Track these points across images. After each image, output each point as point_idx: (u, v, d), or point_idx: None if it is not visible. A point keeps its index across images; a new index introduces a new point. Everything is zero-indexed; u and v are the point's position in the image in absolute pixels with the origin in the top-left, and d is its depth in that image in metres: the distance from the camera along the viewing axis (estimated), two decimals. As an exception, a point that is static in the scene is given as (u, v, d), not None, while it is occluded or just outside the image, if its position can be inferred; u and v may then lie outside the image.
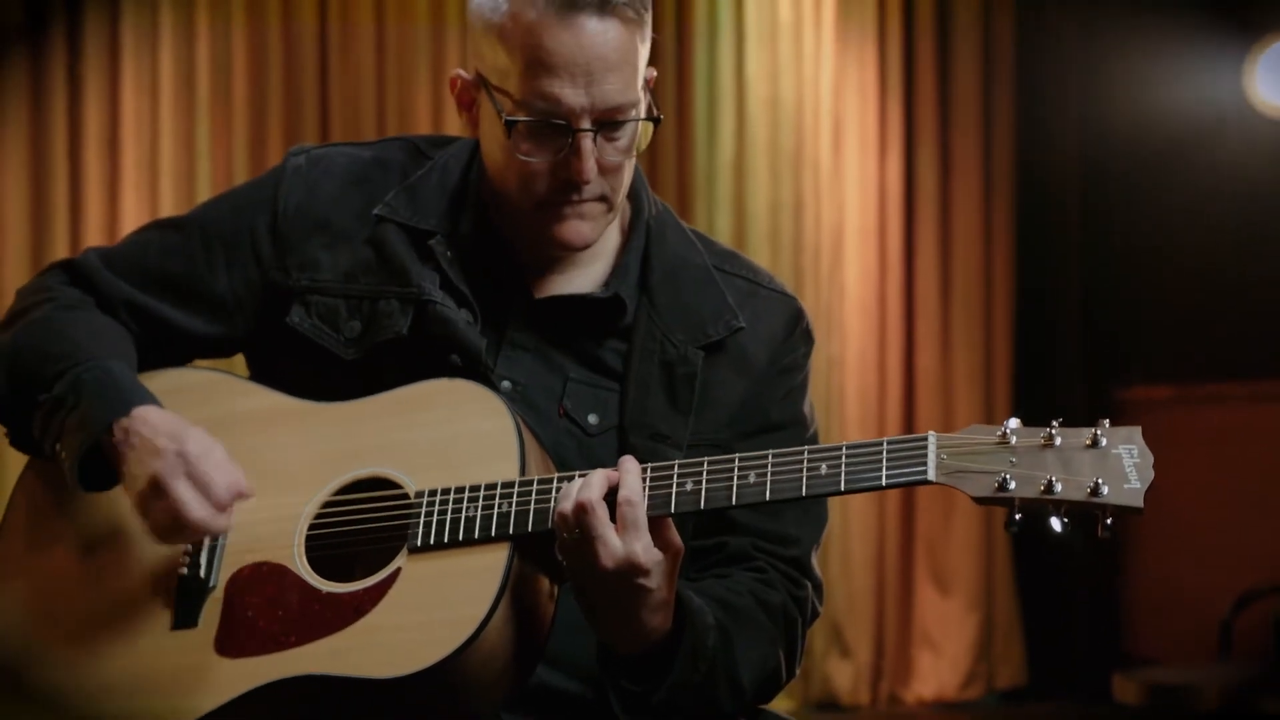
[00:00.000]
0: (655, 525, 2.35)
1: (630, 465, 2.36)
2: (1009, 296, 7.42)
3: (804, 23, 7.21)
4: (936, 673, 7.35)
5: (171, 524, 2.42)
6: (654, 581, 2.34)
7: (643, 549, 2.32)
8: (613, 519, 2.33)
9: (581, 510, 2.31)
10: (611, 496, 2.33)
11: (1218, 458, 7.07)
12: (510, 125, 2.51)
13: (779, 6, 7.19)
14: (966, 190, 7.39)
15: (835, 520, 7.11)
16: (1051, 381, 7.40)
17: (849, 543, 7.25)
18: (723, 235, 7.05)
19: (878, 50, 7.32)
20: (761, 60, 7.19)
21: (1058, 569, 7.28)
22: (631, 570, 2.32)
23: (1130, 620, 7.35)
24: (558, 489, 2.39)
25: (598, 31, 2.47)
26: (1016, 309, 7.43)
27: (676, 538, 2.37)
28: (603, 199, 2.57)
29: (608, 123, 2.51)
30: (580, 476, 2.36)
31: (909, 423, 7.32)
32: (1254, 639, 6.57)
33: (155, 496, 2.42)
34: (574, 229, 2.57)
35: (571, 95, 2.47)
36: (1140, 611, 7.31)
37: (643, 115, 2.55)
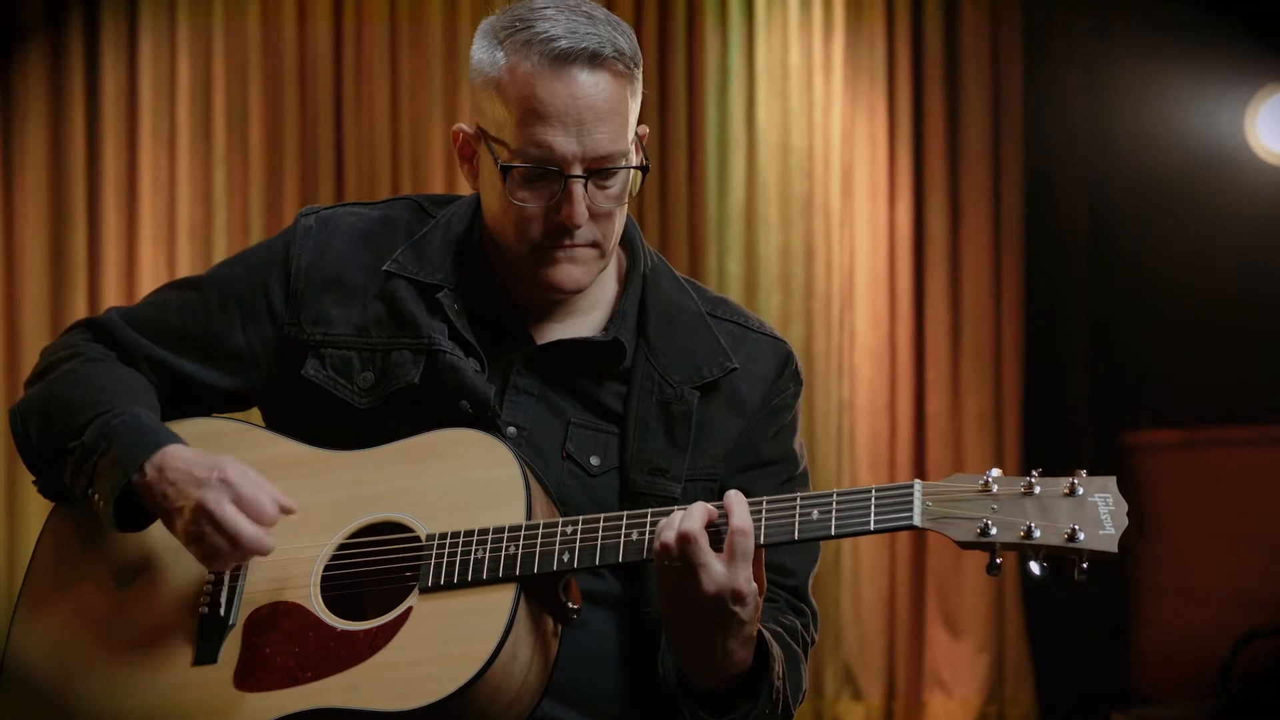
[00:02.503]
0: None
1: (737, 498, 2.46)
2: (1018, 341, 7.41)
3: (814, 71, 7.24)
4: (948, 714, 7.33)
5: (227, 547, 2.52)
6: (747, 613, 2.46)
7: (745, 579, 2.43)
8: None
9: (685, 540, 2.42)
10: (709, 528, 2.44)
11: (1223, 499, 7.07)
12: (506, 171, 2.62)
13: (789, 54, 7.22)
14: (976, 236, 7.38)
15: (847, 563, 7.16)
16: (1060, 425, 7.38)
17: (860, 585, 7.24)
18: (734, 281, 7.11)
19: (887, 97, 7.34)
20: (772, 108, 7.23)
21: (1067, 611, 7.28)
22: (733, 596, 2.43)
23: (1139, 660, 7.36)
24: (561, 533, 2.49)
25: (589, 83, 2.58)
26: (1025, 353, 7.43)
27: (763, 577, 2.48)
28: (594, 244, 2.67)
29: (598, 170, 2.61)
30: (679, 510, 2.46)
31: (919, 466, 7.31)
32: (1255, 678, 6.58)
33: (205, 523, 2.52)
34: (566, 272, 2.67)
35: (564, 143, 2.58)
36: (1148, 652, 7.32)
37: (633, 164, 2.65)
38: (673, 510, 2.48)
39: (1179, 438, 7.20)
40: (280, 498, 2.56)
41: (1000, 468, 6.94)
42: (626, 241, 2.83)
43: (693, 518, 2.43)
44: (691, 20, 7.25)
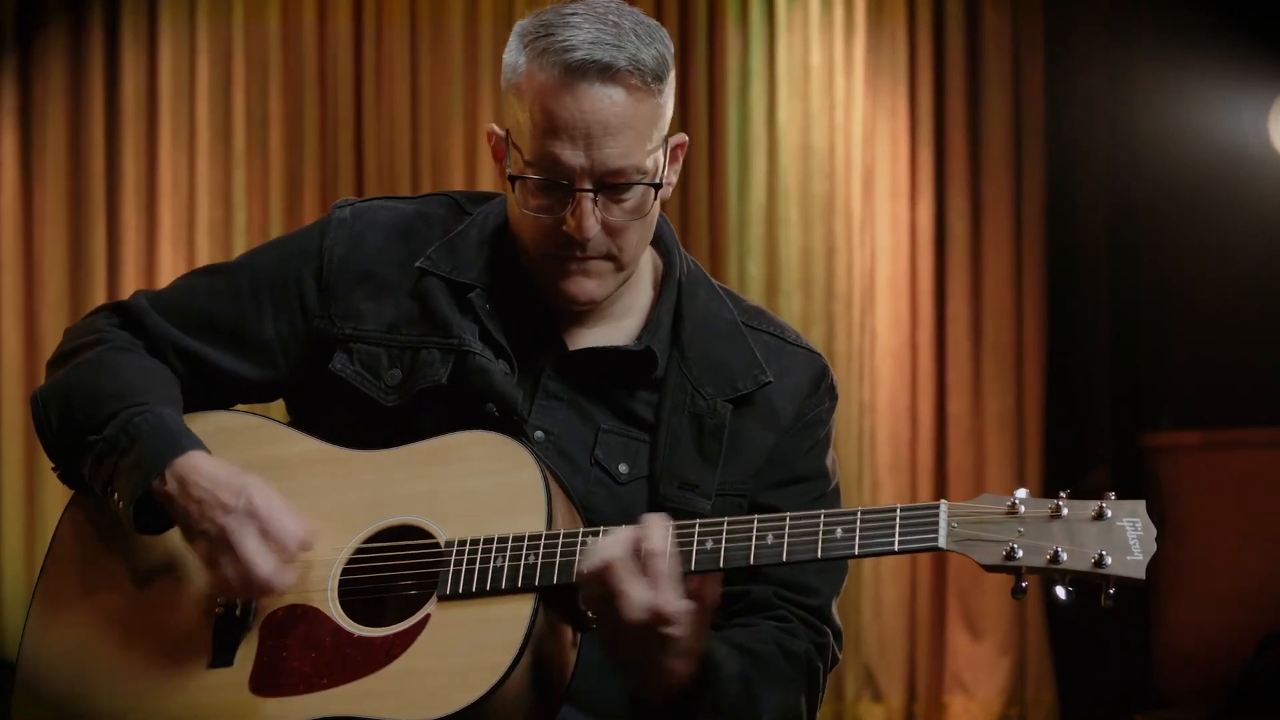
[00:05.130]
0: (688, 577, 2.42)
1: (654, 520, 2.42)
2: (1040, 342, 7.38)
3: (835, 71, 7.23)
4: (969, 716, 7.31)
5: (241, 580, 2.49)
6: (681, 630, 2.40)
7: (670, 599, 2.38)
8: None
9: (608, 565, 2.38)
10: (636, 551, 2.39)
11: (1245, 501, 7.05)
12: (513, 181, 2.61)
13: (810, 55, 7.21)
14: (997, 236, 7.36)
15: (867, 565, 7.13)
16: (1082, 427, 7.35)
17: (881, 587, 7.23)
18: (755, 282, 7.09)
19: (908, 97, 7.32)
20: (793, 108, 7.22)
21: (1089, 612, 7.24)
22: (658, 620, 2.38)
23: (1161, 663, 7.33)
24: (582, 544, 2.46)
25: (600, 97, 2.53)
26: (1047, 355, 7.41)
27: (712, 590, 2.43)
28: (609, 257, 2.63)
29: (609, 185, 2.57)
30: (604, 533, 2.43)
31: (940, 469, 7.30)
32: (1274, 681, 6.55)
33: (225, 551, 2.49)
34: (579, 285, 2.64)
35: (571, 156, 2.55)
36: (1171, 654, 7.28)
37: (650, 180, 2.61)
38: (607, 531, 2.45)
39: (1200, 439, 7.18)
40: (302, 535, 2.52)
41: (1021, 469, 6.93)
42: (663, 247, 2.80)
43: (614, 545, 2.40)
44: (712, 20, 7.24)
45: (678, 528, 2.44)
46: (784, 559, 2.40)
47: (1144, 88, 7.24)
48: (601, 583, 2.38)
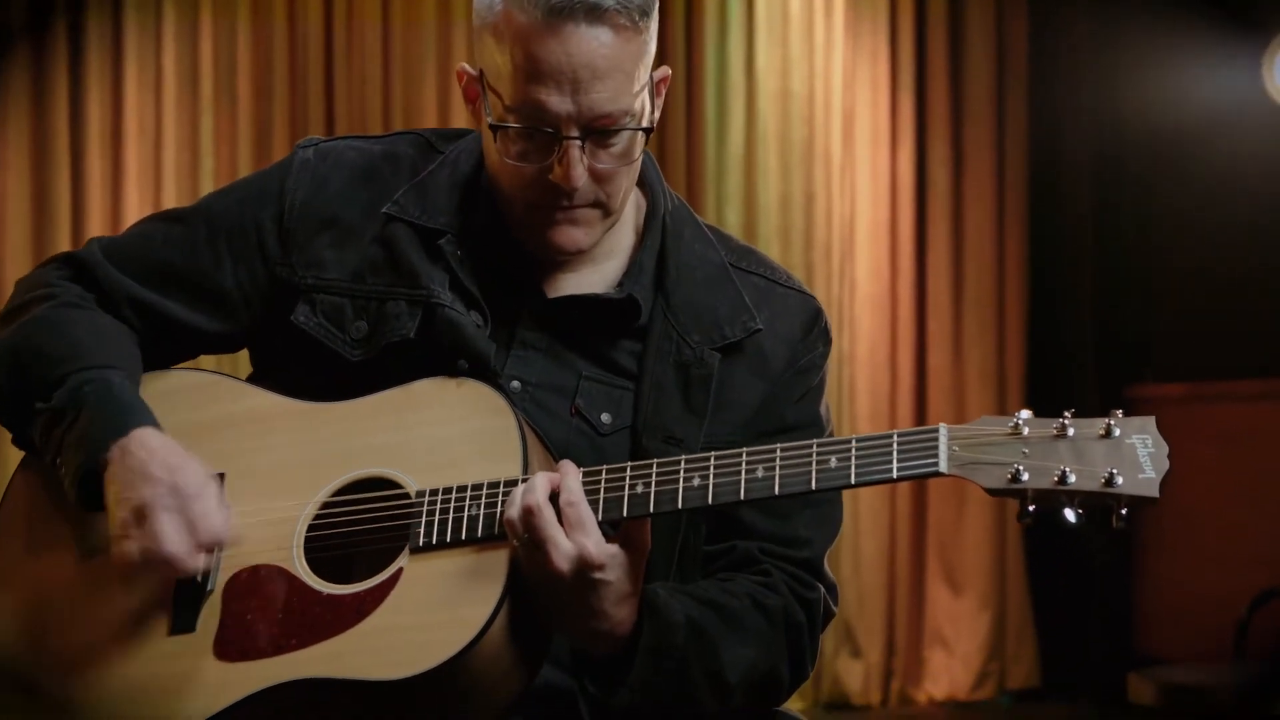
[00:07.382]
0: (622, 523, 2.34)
1: (568, 468, 2.34)
2: (1021, 292, 7.38)
3: (815, 15, 7.18)
4: (948, 672, 7.32)
5: (141, 555, 2.37)
6: (612, 574, 2.32)
7: (594, 544, 2.29)
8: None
9: (529, 514, 2.29)
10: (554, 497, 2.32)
11: (1231, 456, 7.02)
12: (494, 129, 2.48)
13: (790, -1, 7.17)
14: (979, 185, 7.34)
15: (846, 518, 7.03)
16: (1064, 378, 7.36)
17: (860, 541, 7.22)
18: (733, 230, 7.00)
19: (889, 43, 7.29)
20: (772, 53, 7.16)
21: (1070, 567, 7.24)
22: (585, 566, 2.29)
23: (1143, 620, 7.31)
24: None
25: (586, 39, 2.41)
26: (1029, 305, 7.39)
27: (642, 536, 2.34)
28: (597, 204, 2.52)
29: (597, 131, 2.45)
30: (523, 482, 2.34)
31: (920, 419, 7.29)
32: (1270, 639, 6.52)
33: (137, 523, 2.37)
34: (566, 234, 2.52)
35: (558, 103, 2.42)
36: (1153, 611, 7.27)
37: (639, 124, 2.49)
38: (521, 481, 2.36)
39: (1184, 391, 7.15)
40: (222, 532, 2.40)
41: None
42: (646, 185, 2.69)
43: (534, 491, 2.30)
44: (691, -35, 7.17)
45: (609, 471, 2.35)
46: (776, 491, 2.28)
47: (1131, 34, 7.19)
48: (526, 530, 2.30)
